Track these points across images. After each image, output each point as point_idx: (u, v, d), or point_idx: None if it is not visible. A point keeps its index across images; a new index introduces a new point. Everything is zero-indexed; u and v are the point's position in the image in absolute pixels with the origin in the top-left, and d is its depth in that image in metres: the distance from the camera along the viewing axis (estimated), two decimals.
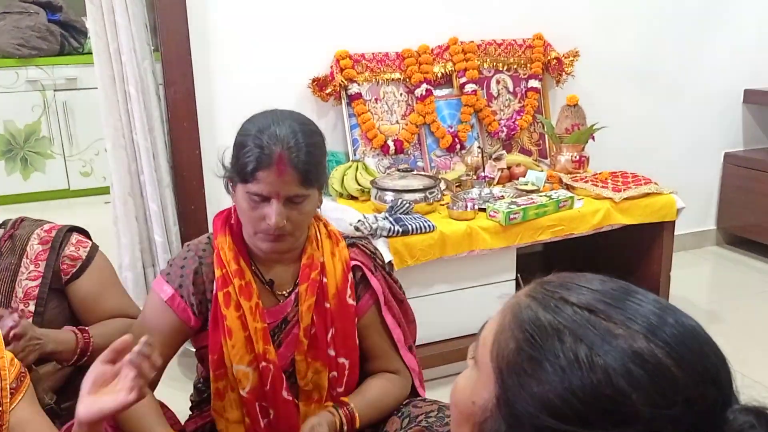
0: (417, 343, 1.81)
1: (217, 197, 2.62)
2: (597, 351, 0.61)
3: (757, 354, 2.74)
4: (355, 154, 2.93)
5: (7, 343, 1.36)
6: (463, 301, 2.55)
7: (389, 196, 2.54)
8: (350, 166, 2.82)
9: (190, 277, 1.55)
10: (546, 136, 3.24)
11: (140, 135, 2.57)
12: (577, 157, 2.98)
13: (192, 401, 1.76)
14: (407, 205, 2.47)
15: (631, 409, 0.59)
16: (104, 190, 4.10)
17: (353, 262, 1.63)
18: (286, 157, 1.39)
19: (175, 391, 1.85)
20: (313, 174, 1.44)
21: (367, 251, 1.69)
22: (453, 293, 2.54)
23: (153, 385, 1.61)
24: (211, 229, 1.63)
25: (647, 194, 2.74)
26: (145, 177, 2.62)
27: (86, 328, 1.60)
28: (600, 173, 2.91)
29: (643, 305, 0.65)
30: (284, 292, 1.59)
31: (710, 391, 0.62)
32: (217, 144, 2.69)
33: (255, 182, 1.41)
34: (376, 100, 2.98)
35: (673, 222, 2.79)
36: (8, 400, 1.24)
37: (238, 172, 1.44)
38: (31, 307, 1.58)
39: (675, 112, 3.70)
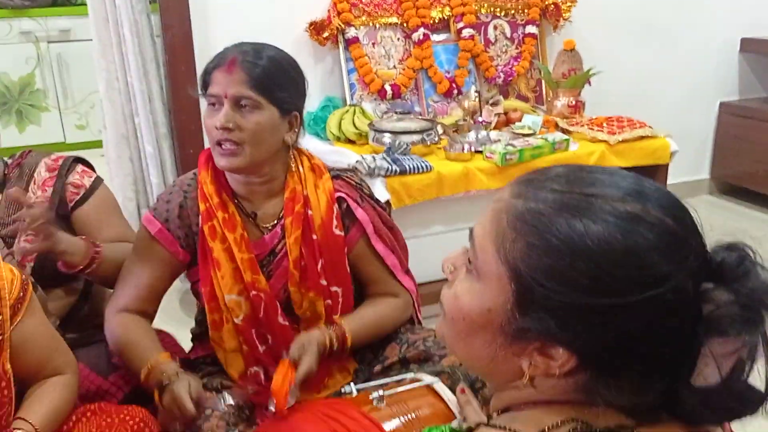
0: (417, 281, 1.85)
1: None
2: (605, 224, 0.64)
3: None
4: (352, 99, 2.93)
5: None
6: (460, 241, 2.53)
7: (387, 138, 2.56)
8: (347, 111, 2.83)
9: (176, 211, 1.59)
10: (543, 82, 3.25)
11: (135, 78, 2.57)
12: (573, 102, 3.00)
13: (193, 333, 1.80)
14: (405, 146, 2.49)
15: (655, 270, 0.62)
16: (100, 144, 4.12)
17: (338, 194, 1.65)
18: (239, 59, 1.46)
19: (177, 331, 1.90)
20: (266, 82, 1.46)
21: (352, 182, 1.71)
22: (449, 233, 2.58)
23: (150, 316, 1.67)
24: None
25: (642, 137, 2.76)
26: (141, 120, 2.63)
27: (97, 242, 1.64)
28: (595, 118, 2.93)
29: (620, 177, 0.69)
30: (268, 225, 1.62)
31: (702, 240, 0.66)
32: None
33: (211, 85, 1.48)
34: (373, 44, 2.97)
35: (667, 165, 2.82)
36: (8, 316, 1.26)
37: (202, 82, 1.53)
38: None
39: (671, 60, 3.70)
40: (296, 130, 1.58)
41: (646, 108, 3.46)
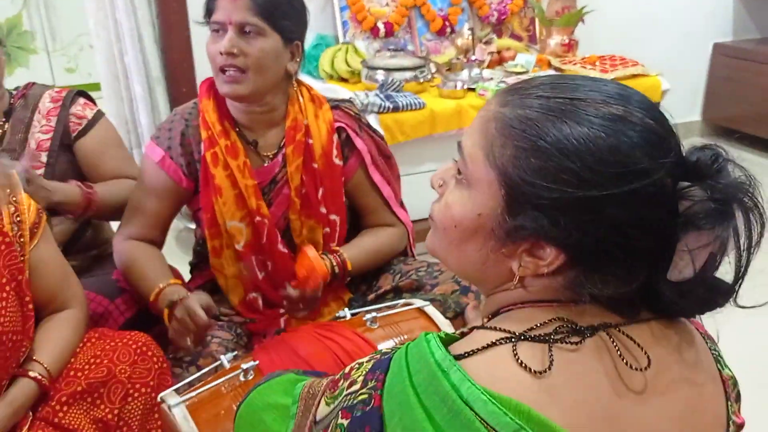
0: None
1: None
2: (590, 124, 0.67)
3: None
4: (344, 37, 2.93)
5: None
6: None
7: (380, 75, 2.57)
8: (340, 49, 2.82)
9: (178, 138, 1.61)
10: (536, 21, 3.24)
11: (123, 16, 2.55)
12: (567, 41, 3.00)
13: (191, 264, 1.84)
14: (398, 83, 2.50)
15: (637, 166, 0.66)
16: (90, 87, 4.09)
17: (337, 124, 1.67)
18: None
19: (175, 266, 1.93)
20: (270, 7, 1.47)
21: (351, 113, 1.73)
22: None
23: (158, 244, 1.70)
24: None
25: (634, 75, 2.78)
26: (130, 59, 2.61)
27: (90, 184, 1.66)
28: (588, 57, 2.94)
29: (603, 83, 0.72)
30: (269, 154, 1.64)
31: (679, 142, 0.70)
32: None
33: (215, 11, 1.48)
34: None
35: (658, 104, 2.84)
36: (28, 239, 1.31)
37: (206, 9, 1.52)
38: (43, 158, 1.66)
39: (665, 0, 3.68)
40: (298, 59, 1.59)
41: (639, 48, 3.46)
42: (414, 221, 1.94)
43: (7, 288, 1.24)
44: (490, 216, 0.72)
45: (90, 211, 1.63)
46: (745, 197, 0.67)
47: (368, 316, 1.44)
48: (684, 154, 0.71)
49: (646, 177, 0.66)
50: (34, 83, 1.78)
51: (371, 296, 1.72)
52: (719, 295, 0.72)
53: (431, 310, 1.49)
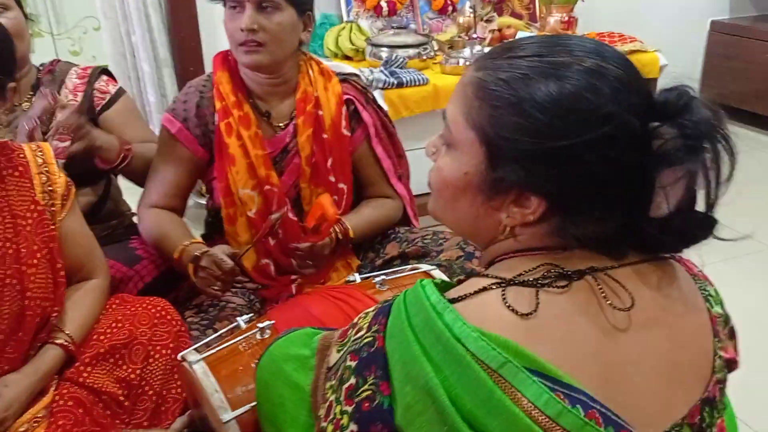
0: (414, 193, 1.97)
1: None
2: (561, 80, 0.72)
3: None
4: (348, 16, 2.98)
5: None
6: None
7: (384, 52, 2.62)
8: (344, 27, 2.88)
9: (193, 110, 1.67)
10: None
11: None
12: (566, 18, 3.04)
13: (203, 236, 1.91)
14: (401, 60, 2.56)
15: (602, 111, 0.71)
16: None
17: (346, 96, 1.75)
18: None
19: None
20: None
21: (359, 86, 1.80)
22: None
23: (179, 212, 1.77)
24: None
25: (632, 51, 2.83)
26: (137, 38, 2.66)
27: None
28: (588, 34, 2.98)
29: (578, 40, 0.77)
30: (281, 124, 1.71)
31: (647, 88, 0.76)
32: None
33: None
34: None
35: (656, 79, 2.90)
36: (59, 208, 1.39)
37: None
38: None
39: None
40: (310, 29, 1.65)
41: (637, 25, 3.50)
42: (418, 195, 2.00)
43: (38, 255, 1.30)
44: (476, 173, 0.78)
45: (124, 163, 1.71)
46: (713, 131, 0.72)
47: (378, 279, 1.51)
48: (654, 97, 0.76)
49: (612, 121, 0.70)
50: (59, 60, 1.86)
51: (379, 262, 1.79)
52: (699, 228, 0.78)
53: (438, 274, 1.55)
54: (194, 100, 1.68)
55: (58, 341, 1.33)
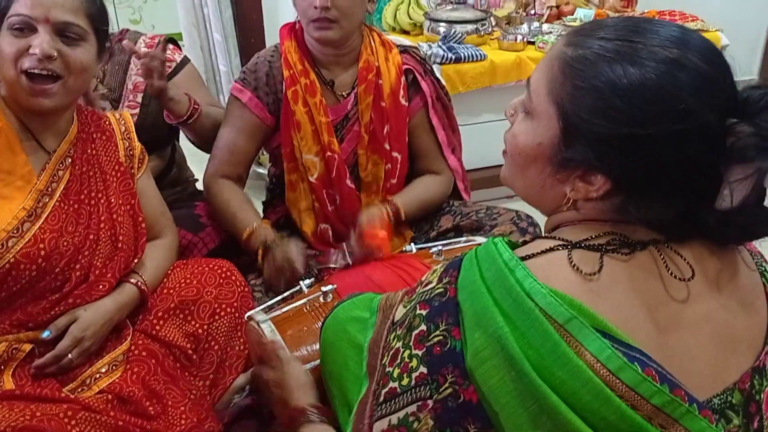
0: (467, 168, 1.99)
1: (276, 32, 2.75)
2: (643, 67, 0.74)
3: None
4: None
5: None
6: None
7: (442, 27, 2.65)
8: (402, 1, 2.90)
9: (263, 79, 1.74)
10: None
11: None
12: None
13: (264, 202, 1.98)
14: (460, 35, 2.58)
15: (683, 107, 0.73)
16: None
17: (405, 66, 1.79)
18: None
19: None
20: None
21: (418, 57, 1.84)
22: (501, 122, 2.67)
23: (243, 180, 1.84)
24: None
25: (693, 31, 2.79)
26: (209, 9, 2.74)
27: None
28: (648, 12, 2.95)
29: (666, 27, 0.79)
30: (343, 93, 1.77)
31: (732, 83, 0.77)
32: None
33: None
34: None
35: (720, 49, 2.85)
36: (137, 170, 1.51)
37: None
38: (138, 99, 1.82)
39: None
40: (373, 6, 1.70)
41: (698, 4, 3.43)
42: (471, 170, 2.04)
43: (121, 210, 1.43)
44: (549, 145, 0.82)
45: (192, 118, 1.76)
46: None
47: (434, 249, 1.57)
48: (737, 93, 0.77)
49: (690, 119, 0.72)
50: (127, 29, 1.92)
51: (433, 234, 1.84)
52: (763, 225, 0.79)
53: None
54: (263, 69, 1.74)
55: (132, 280, 1.43)
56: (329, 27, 1.63)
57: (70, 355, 1.31)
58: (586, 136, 0.77)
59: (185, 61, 1.93)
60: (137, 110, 1.81)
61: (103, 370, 1.36)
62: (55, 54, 1.25)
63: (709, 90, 0.74)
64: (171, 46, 1.91)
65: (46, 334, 1.31)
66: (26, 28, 1.25)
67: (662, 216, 0.79)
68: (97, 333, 1.35)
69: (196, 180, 2.12)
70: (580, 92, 0.77)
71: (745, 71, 3.98)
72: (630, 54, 0.75)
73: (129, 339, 1.42)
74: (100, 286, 1.37)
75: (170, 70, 1.86)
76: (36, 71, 1.24)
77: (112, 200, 1.41)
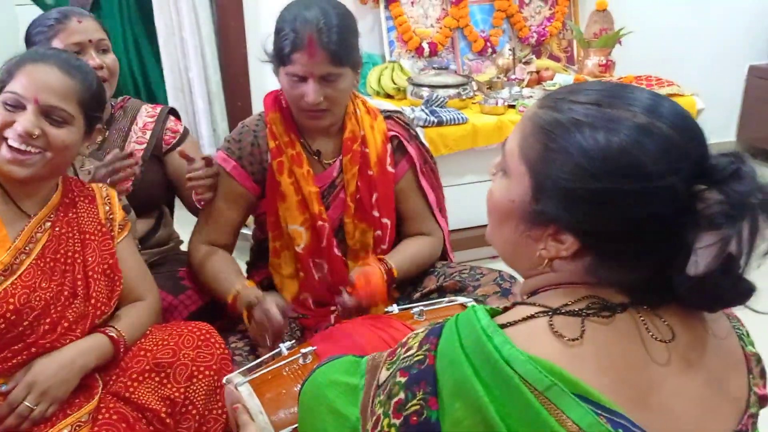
0: (450, 229, 1.99)
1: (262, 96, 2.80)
2: (610, 133, 0.76)
3: None
4: (391, 56, 3.08)
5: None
6: None
7: (425, 92, 2.70)
8: (386, 67, 2.97)
9: (248, 149, 1.74)
10: (574, 43, 3.35)
11: (188, 32, 2.73)
12: (604, 61, 3.10)
13: (248, 263, 1.97)
14: (442, 99, 2.63)
15: (645, 169, 0.74)
16: None
17: (390, 133, 1.81)
18: (316, 39, 1.53)
19: None
20: (343, 53, 1.58)
21: (402, 122, 1.86)
22: (483, 183, 2.72)
23: (230, 247, 1.83)
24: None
25: (670, 95, 2.84)
26: (193, 74, 2.79)
27: None
28: (625, 77, 3.03)
29: (639, 93, 0.81)
30: (329, 161, 1.77)
31: (703, 150, 0.78)
32: (260, 33, 2.82)
33: (291, 64, 1.57)
34: (412, 3, 3.11)
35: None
36: (116, 233, 1.54)
37: (278, 56, 1.62)
38: (136, 168, 1.81)
39: (702, 21, 3.76)
40: (358, 77, 1.72)
41: (675, 69, 3.53)
42: (454, 230, 2.05)
43: (98, 269, 1.45)
44: (521, 202, 0.83)
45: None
46: (757, 204, 0.72)
47: (416, 309, 1.55)
48: (706, 159, 0.78)
49: (653, 179, 0.74)
50: (129, 97, 1.98)
51: (416, 295, 1.83)
52: (733, 293, 0.79)
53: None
54: (248, 139, 1.75)
55: (104, 329, 1.44)
56: (321, 116, 1.65)
57: (27, 403, 1.31)
58: (552, 191, 0.79)
59: (186, 132, 2.00)
60: (129, 185, 1.81)
61: (65, 431, 1.33)
62: (37, 132, 1.32)
63: (675, 155, 0.75)
64: (172, 117, 1.98)
65: (3, 387, 1.32)
66: (17, 105, 1.32)
67: (633, 279, 0.79)
68: (52, 377, 1.34)
69: (181, 241, 2.12)
70: (549, 153, 0.79)
71: (721, 134, 4.07)
72: (599, 119, 0.78)
73: (96, 398, 1.39)
74: (67, 339, 1.38)
75: (174, 141, 1.94)
76: (15, 145, 1.31)
77: (89, 259, 1.45)
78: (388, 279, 1.73)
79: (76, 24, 1.77)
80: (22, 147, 1.31)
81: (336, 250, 1.76)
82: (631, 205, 0.75)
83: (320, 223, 1.72)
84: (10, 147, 1.32)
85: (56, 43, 1.74)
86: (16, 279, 1.33)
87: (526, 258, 0.87)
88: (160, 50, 2.77)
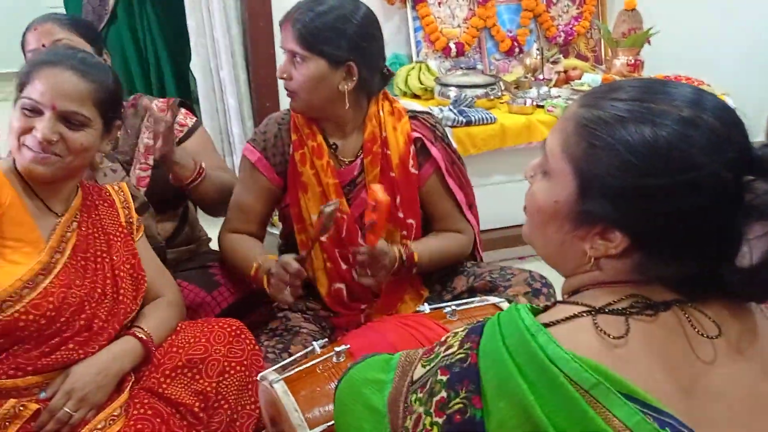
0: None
1: None
2: (656, 127, 0.77)
3: None
4: (418, 56, 3.08)
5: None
6: (520, 192, 2.66)
7: (452, 92, 2.70)
8: (413, 67, 2.97)
9: (272, 140, 1.78)
10: (602, 42, 3.33)
11: (219, 33, 2.76)
12: (633, 61, 3.08)
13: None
14: (470, 99, 2.63)
15: (693, 160, 0.75)
16: None
17: (414, 134, 1.80)
18: (293, 16, 1.64)
19: None
20: (313, 39, 1.61)
21: (427, 123, 1.85)
22: (511, 184, 2.72)
23: (260, 238, 1.86)
24: None
25: None
26: (224, 74, 2.82)
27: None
28: (655, 76, 3.00)
29: (681, 88, 0.81)
30: (346, 160, 1.79)
31: (746, 142, 0.79)
32: None
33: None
34: (439, 3, 3.11)
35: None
36: (135, 233, 1.58)
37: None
38: (150, 161, 1.86)
39: (732, 21, 3.70)
40: (354, 78, 1.68)
41: (705, 69, 3.47)
42: (483, 231, 2.04)
43: (123, 267, 1.50)
44: (566, 203, 0.84)
45: (196, 182, 1.81)
46: None
47: (448, 309, 1.56)
48: (752, 151, 0.78)
49: (701, 170, 0.74)
50: (141, 95, 1.99)
51: (447, 297, 1.83)
52: None
53: (506, 306, 1.58)
54: (273, 131, 1.79)
55: (131, 331, 1.48)
56: (292, 97, 1.70)
57: (66, 409, 1.34)
58: (601, 191, 0.79)
59: (196, 125, 1.98)
60: (148, 172, 1.86)
61: (99, 426, 1.37)
62: (56, 138, 1.35)
63: (722, 145, 0.76)
64: (183, 110, 1.97)
65: (42, 395, 1.35)
66: (34, 111, 1.35)
67: (682, 274, 0.79)
68: (90, 383, 1.37)
69: (209, 239, 2.14)
70: (594, 150, 0.80)
71: (752, 133, 4.00)
72: (643, 114, 0.78)
73: (127, 391, 1.43)
74: (103, 336, 1.42)
75: (181, 135, 1.93)
76: (34, 150, 1.35)
77: (115, 258, 1.50)
78: (408, 261, 1.72)
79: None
80: (41, 153, 1.34)
81: (361, 241, 1.76)
82: (681, 197, 0.75)
83: (339, 214, 1.73)
84: (30, 149, 1.35)
85: None
86: (53, 278, 1.37)
87: (571, 258, 0.87)
88: (191, 50, 2.81)
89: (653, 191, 0.76)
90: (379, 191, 1.55)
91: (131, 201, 1.60)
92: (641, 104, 0.79)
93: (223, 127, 2.94)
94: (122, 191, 1.61)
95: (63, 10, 3.20)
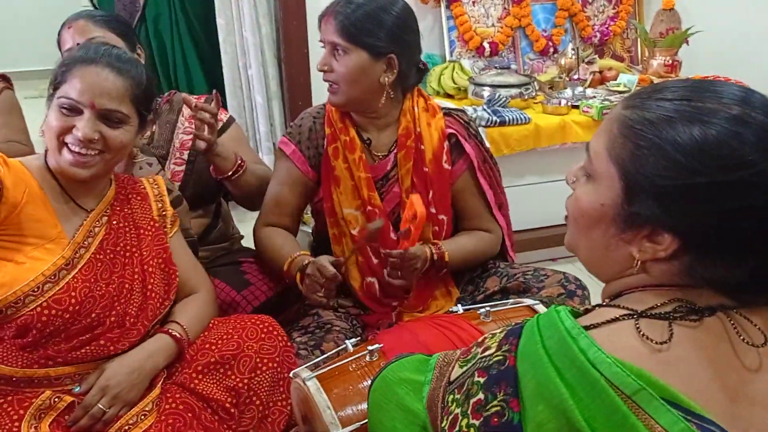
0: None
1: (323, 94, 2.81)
2: (705, 126, 0.75)
3: None
4: (451, 55, 3.06)
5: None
6: (554, 193, 2.65)
7: (486, 92, 2.68)
8: (447, 67, 2.96)
9: (306, 133, 1.80)
10: (638, 42, 3.28)
11: (249, 31, 2.77)
12: (670, 61, 3.03)
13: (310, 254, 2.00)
14: (504, 99, 2.61)
15: (743, 158, 0.73)
16: None
17: (448, 130, 1.81)
18: (334, 9, 1.66)
19: None
20: (355, 30, 1.63)
21: (461, 120, 1.86)
22: (544, 184, 2.69)
23: (293, 231, 1.87)
24: None
25: None
26: (253, 72, 2.83)
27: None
28: (692, 77, 2.95)
29: (728, 86, 0.79)
30: (379, 154, 1.80)
31: None
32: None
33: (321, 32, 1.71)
34: (473, 2, 3.08)
35: None
36: (169, 228, 1.59)
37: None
38: (185, 156, 1.89)
39: None
40: (395, 70, 1.70)
41: (744, 69, 3.41)
42: (516, 231, 2.02)
43: (153, 262, 1.50)
44: (612, 206, 0.82)
45: (238, 173, 1.82)
46: None
47: (482, 310, 1.54)
48: None
49: (753, 167, 0.72)
50: (176, 91, 2.01)
51: (480, 297, 1.82)
52: None
53: (541, 308, 1.56)
54: (308, 124, 1.81)
55: (165, 328, 1.49)
56: (333, 91, 1.71)
57: (100, 405, 1.36)
58: (649, 192, 0.77)
59: (230, 120, 2.00)
60: (183, 167, 1.88)
61: (132, 421, 1.38)
62: (97, 137, 1.37)
63: None
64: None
65: (76, 389, 1.38)
66: (73, 110, 1.36)
67: (731, 277, 0.77)
68: (124, 381, 1.39)
69: (242, 237, 2.15)
70: (641, 151, 0.78)
71: None
72: (691, 113, 0.76)
73: (159, 386, 1.43)
74: (134, 332, 1.43)
75: (218, 128, 1.91)
76: (76, 149, 1.36)
77: (144, 253, 1.50)
78: (439, 260, 1.74)
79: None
80: (83, 151, 1.36)
81: (393, 236, 1.77)
82: (731, 196, 0.73)
83: (370, 208, 1.75)
84: (71, 151, 1.36)
85: None
86: (76, 273, 1.38)
87: (616, 262, 0.85)
88: (220, 47, 2.83)
89: (703, 191, 0.74)
90: (417, 203, 1.56)
91: (166, 194, 1.60)
92: (689, 103, 0.77)
93: (249, 123, 2.95)
94: (157, 184, 1.62)
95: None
